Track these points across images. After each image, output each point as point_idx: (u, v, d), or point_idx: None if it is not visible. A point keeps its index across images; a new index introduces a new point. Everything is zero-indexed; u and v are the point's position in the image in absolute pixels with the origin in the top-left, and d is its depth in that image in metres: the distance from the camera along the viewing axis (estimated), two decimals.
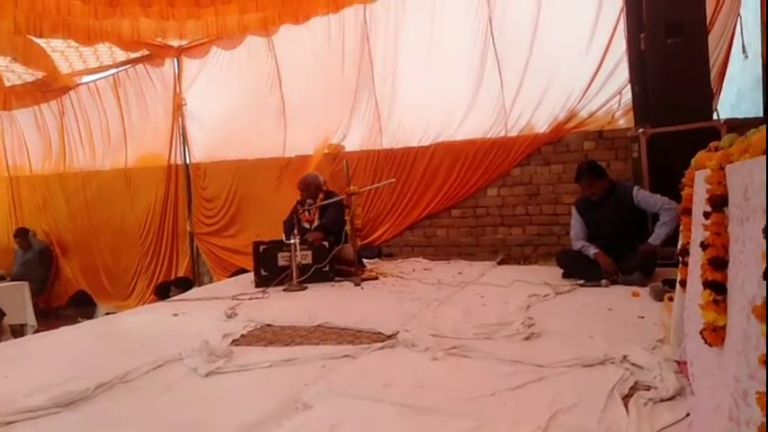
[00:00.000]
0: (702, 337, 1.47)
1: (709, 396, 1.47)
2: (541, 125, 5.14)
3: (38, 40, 5.88)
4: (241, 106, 6.53)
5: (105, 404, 2.08)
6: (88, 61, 6.96)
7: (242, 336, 2.93)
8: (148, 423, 1.92)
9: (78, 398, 2.07)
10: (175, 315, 3.57)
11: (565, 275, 3.86)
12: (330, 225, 4.56)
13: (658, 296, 3.04)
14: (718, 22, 4.19)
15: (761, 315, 0.84)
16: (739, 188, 1.23)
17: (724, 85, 4.35)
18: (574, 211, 4.03)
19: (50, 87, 7.33)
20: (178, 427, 1.89)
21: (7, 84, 7.23)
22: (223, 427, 1.83)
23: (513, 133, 5.18)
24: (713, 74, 4.13)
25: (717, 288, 1.39)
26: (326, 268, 4.34)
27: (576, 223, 3.97)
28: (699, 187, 1.77)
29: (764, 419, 0.78)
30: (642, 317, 2.81)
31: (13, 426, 1.89)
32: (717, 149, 1.70)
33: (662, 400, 1.83)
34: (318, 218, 4.72)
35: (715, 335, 1.40)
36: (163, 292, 6.19)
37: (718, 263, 1.40)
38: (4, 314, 5.56)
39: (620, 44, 4.62)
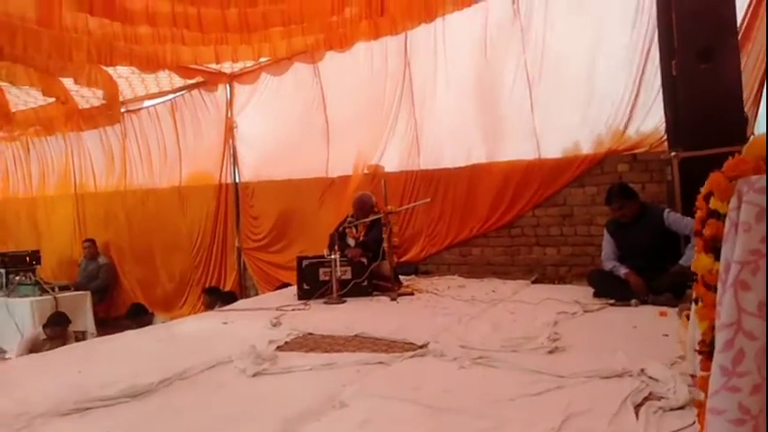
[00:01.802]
0: (698, 349, 1.61)
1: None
2: (584, 148, 5.20)
3: (107, 68, 6.43)
4: (288, 129, 6.90)
5: (167, 397, 2.36)
6: (149, 87, 7.53)
7: (285, 342, 3.18)
8: (204, 414, 2.18)
9: (144, 390, 2.36)
10: (225, 323, 3.87)
11: (596, 295, 3.95)
12: (370, 243, 4.81)
13: None
14: (752, 47, 4.23)
15: (699, 315, 1.01)
16: None
17: (764, 109, 4.36)
18: (605, 232, 4.12)
19: (111, 113, 7.91)
20: (229, 418, 2.14)
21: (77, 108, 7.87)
22: (268, 420, 2.06)
23: (548, 156, 5.30)
24: (749, 98, 4.18)
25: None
26: (365, 283, 4.58)
27: (606, 244, 4.07)
28: None
29: (701, 397, 0.95)
30: (666, 335, 2.88)
31: (90, 411, 2.19)
32: None
33: (671, 409, 1.94)
34: (364, 235, 4.98)
35: None
36: (212, 293, 6.61)
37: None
38: (70, 321, 6.02)
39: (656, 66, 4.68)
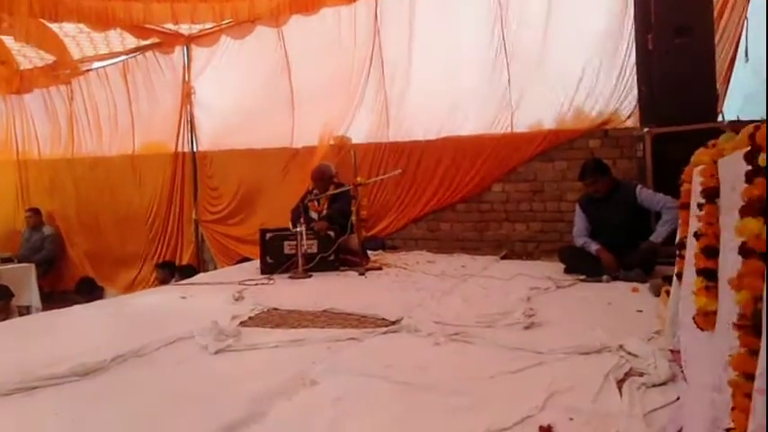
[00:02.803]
0: (695, 322, 1.54)
1: (700, 378, 1.55)
2: (549, 122, 5.18)
3: (51, 25, 5.95)
4: (249, 96, 6.58)
5: (121, 375, 2.18)
6: (99, 47, 7.02)
7: (249, 318, 3.02)
8: (162, 393, 2.01)
9: (95, 368, 2.17)
10: (183, 297, 3.67)
11: (566, 271, 3.93)
12: (336, 216, 4.64)
13: (657, 292, 3.10)
14: (725, 25, 4.24)
15: (735, 285, 0.91)
16: (728, 180, 1.31)
17: (732, 88, 4.40)
18: (577, 207, 4.09)
19: (59, 72, 7.38)
20: (191, 397, 1.97)
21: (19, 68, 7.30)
22: (234, 399, 1.91)
23: (519, 130, 5.24)
24: (719, 75, 4.19)
25: (709, 275, 1.47)
26: (331, 257, 4.42)
27: (579, 220, 4.04)
28: (696, 182, 1.85)
29: (736, 377, 0.86)
30: (641, 311, 2.88)
31: (37, 391, 1.99)
32: (714, 146, 1.78)
33: (654, 385, 1.90)
34: (327, 208, 4.81)
35: (706, 319, 1.48)
36: (165, 267, 6.35)
37: (711, 251, 1.47)
38: (13, 295, 5.67)
39: (630, 43, 4.66)
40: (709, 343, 1.49)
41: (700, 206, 1.57)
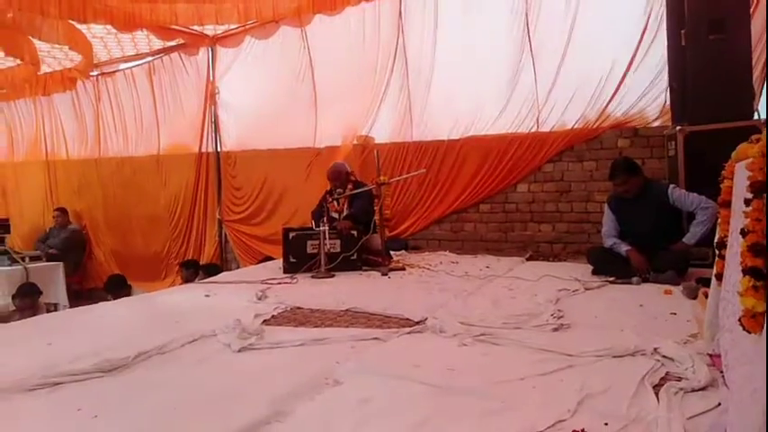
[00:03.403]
0: (741, 324, 1.46)
1: (746, 383, 1.47)
2: (573, 122, 5.09)
3: (79, 26, 6.04)
4: (273, 96, 6.62)
5: (144, 372, 2.16)
6: (126, 48, 7.13)
7: (272, 316, 3.00)
8: (185, 391, 1.99)
9: (119, 365, 2.16)
10: (207, 296, 3.66)
11: (595, 272, 3.82)
12: (359, 215, 4.61)
13: (691, 294, 3.00)
14: (763, 19, 4.09)
15: None
16: None
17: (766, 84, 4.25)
18: (606, 208, 3.99)
19: (83, 69, 7.46)
20: (213, 396, 1.95)
21: (48, 69, 7.45)
22: (257, 398, 1.87)
23: (545, 129, 5.15)
24: (755, 73, 4.05)
25: (757, 274, 1.39)
26: (354, 257, 4.39)
27: (608, 220, 3.93)
28: (740, 177, 1.76)
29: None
30: (674, 313, 2.78)
31: (61, 387, 1.99)
32: (758, 141, 1.69)
33: (693, 390, 1.81)
34: (348, 207, 4.77)
35: (754, 321, 1.40)
36: (190, 266, 6.38)
37: (759, 249, 1.39)
38: (41, 292, 5.76)
39: (658, 42, 4.55)
40: (757, 346, 1.41)
41: (747, 202, 1.49)
